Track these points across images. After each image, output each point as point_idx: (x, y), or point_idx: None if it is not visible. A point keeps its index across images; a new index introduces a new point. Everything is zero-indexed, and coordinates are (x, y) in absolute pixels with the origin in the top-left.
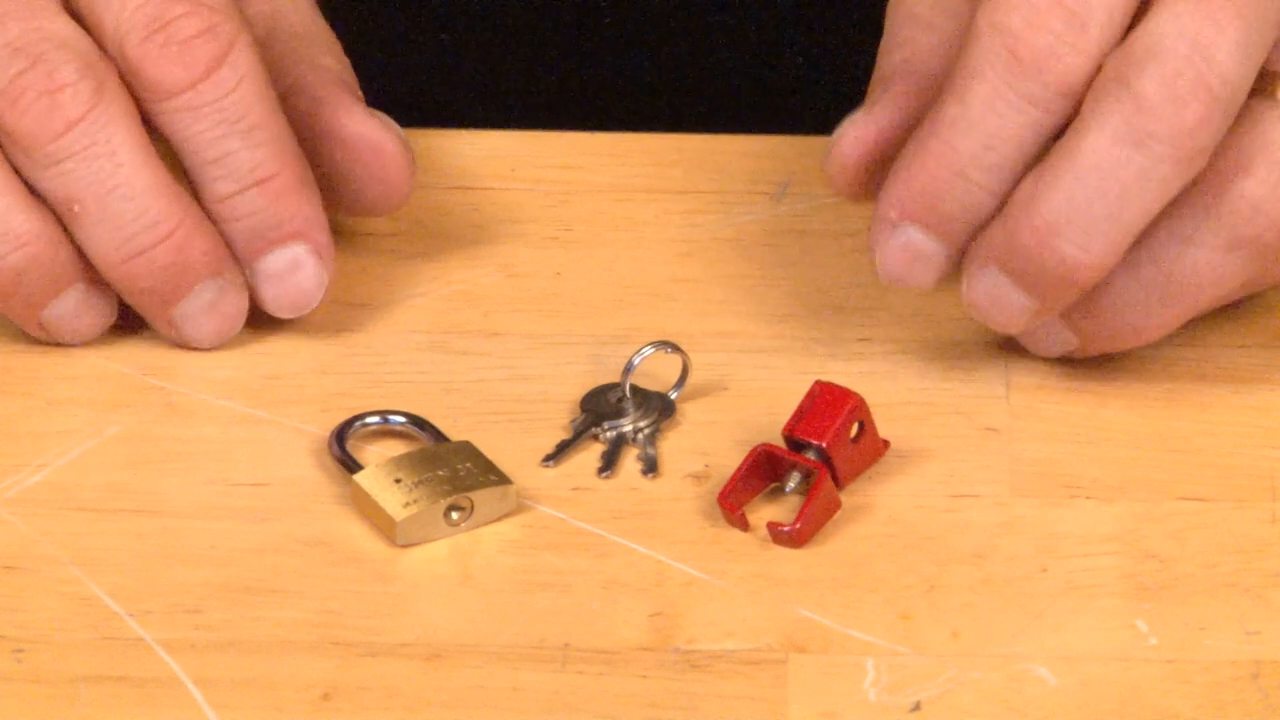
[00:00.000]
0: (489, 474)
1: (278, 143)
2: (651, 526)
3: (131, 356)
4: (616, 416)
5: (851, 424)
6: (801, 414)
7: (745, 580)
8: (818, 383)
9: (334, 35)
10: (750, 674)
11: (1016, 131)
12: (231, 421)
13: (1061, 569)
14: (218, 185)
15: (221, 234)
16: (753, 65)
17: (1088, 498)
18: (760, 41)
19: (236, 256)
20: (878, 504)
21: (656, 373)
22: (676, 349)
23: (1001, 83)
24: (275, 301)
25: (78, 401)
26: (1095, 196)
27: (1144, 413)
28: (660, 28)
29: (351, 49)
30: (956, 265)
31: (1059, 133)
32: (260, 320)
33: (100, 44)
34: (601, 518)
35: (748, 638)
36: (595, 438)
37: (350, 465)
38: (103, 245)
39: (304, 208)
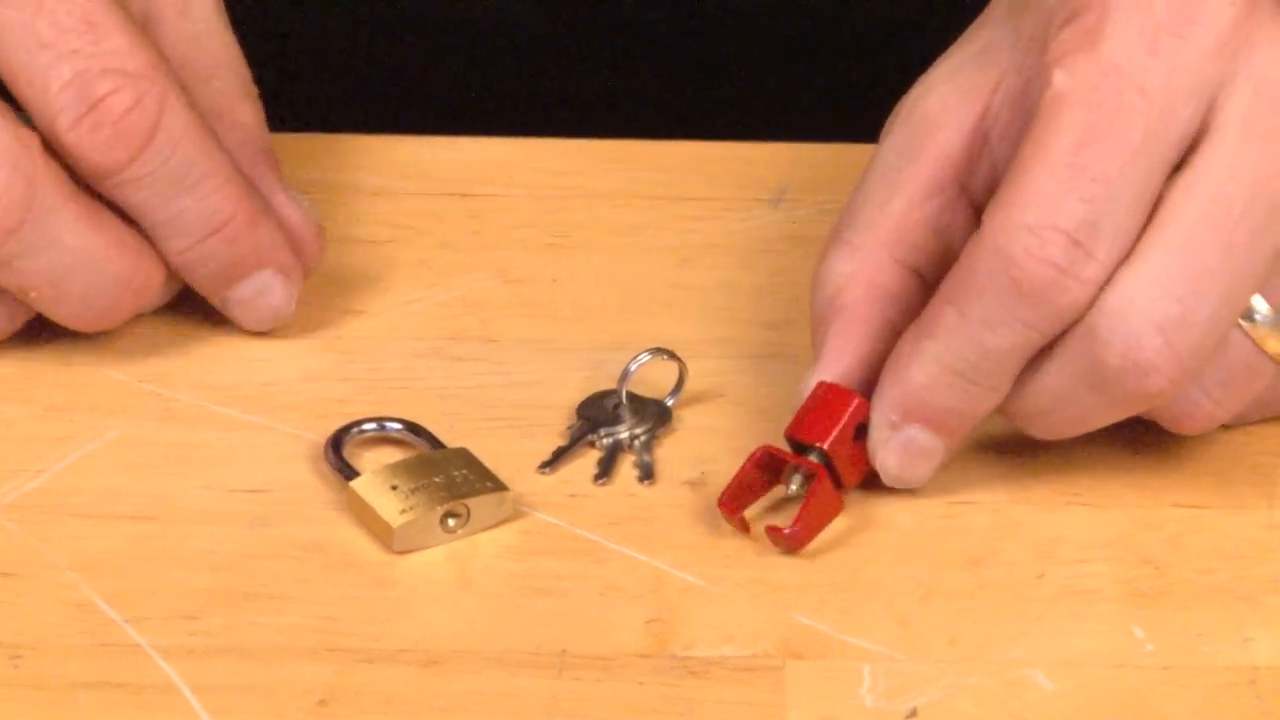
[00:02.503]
0: (485, 481)
1: (226, 186)
2: (648, 533)
3: (129, 363)
4: (613, 423)
5: (854, 426)
6: (804, 415)
7: (742, 586)
8: (821, 384)
9: (245, 64)
10: (747, 680)
11: (1014, 348)
12: (229, 427)
13: (1058, 575)
14: (175, 241)
15: (189, 279)
16: (750, 72)
17: (1084, 504)
18: (757, 48)
19: (207, 292)
20: (875, 510)
21: (653, 379)
22: (673, 356)
23: (1001, 307)
24: (246, 320)
25: (75, 407)
26: (1052, 408)
27: (1141, 419)
28: (657, 35)
29: (350, 53)
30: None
31: None
32: None
33: (24, 107)
34: (598, 524)
35: (745, 644)
36: (592, 444)
37: (347, 472)
38: (66, 318)
39: (262, 238)
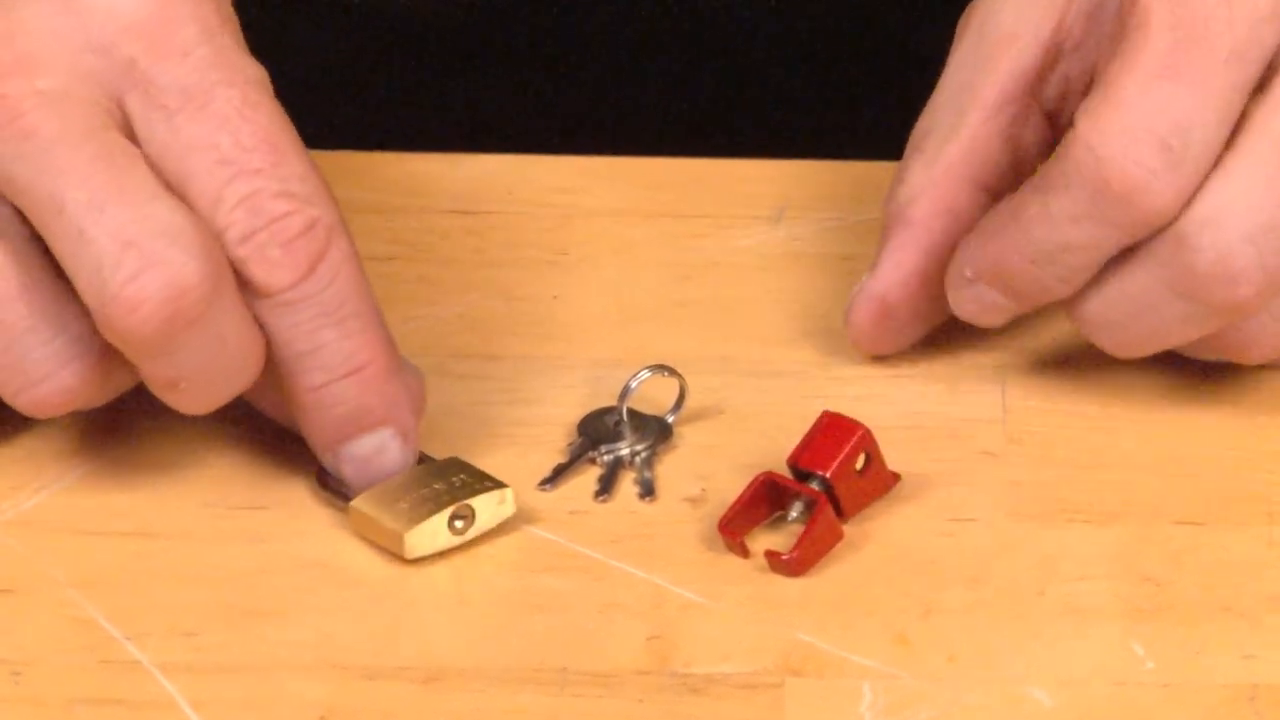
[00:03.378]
0: (484, 481)
1: (370, 330)
2: (649, 549)
3: None
4: (614, 440)
5: (857, 455)
6: (807, 443)
7: (743, 604)
8: (825, 412)
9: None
10: (747, 697)
11: (1096, 243)
12: (230, 444)
13: (1058, 592)
14: (311, 376)
15: (310, 420)
16: (750, 90)
17: (1084, 521)
18: (758, 66)
19: (323, 441)
20: (875, 528)
21: (654, 396)
22: (673, 373)
23: (1089, 203)
24: (356, 481)
25: (76, 424)
26: (1131, 316)
27: (1141, 436)
28: (658, 52)
29: (350, 70)
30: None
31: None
32: None
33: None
34: (599, 541)
35: (745, 661)
36: (593, 461)
37: (344, 495)
38: (182, 405)
39: (393, 393)
